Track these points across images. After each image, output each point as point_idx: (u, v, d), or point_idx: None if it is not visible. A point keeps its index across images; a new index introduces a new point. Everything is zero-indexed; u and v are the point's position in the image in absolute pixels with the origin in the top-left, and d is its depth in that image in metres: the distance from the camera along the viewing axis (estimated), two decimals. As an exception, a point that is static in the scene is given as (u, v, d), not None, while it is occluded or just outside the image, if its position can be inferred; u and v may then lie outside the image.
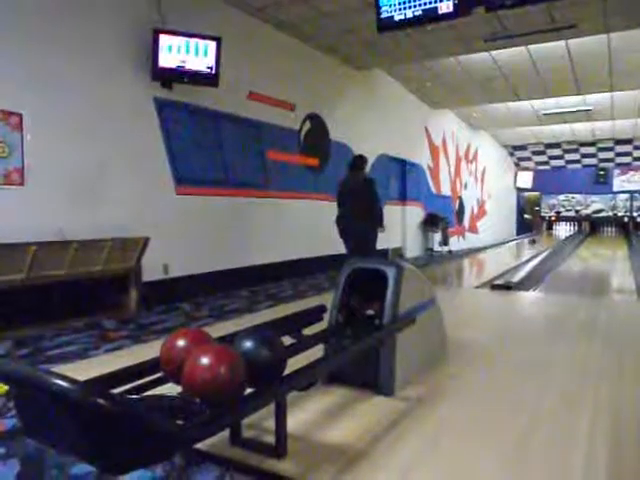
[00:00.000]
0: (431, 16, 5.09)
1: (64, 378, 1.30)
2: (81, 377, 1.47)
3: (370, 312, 2.76)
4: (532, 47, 8.24)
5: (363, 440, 2.08)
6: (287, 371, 1.97)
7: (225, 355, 1.69)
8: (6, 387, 1.60)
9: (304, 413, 2.32)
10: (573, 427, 2.22)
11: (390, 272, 2.73)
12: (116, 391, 1.75)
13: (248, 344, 1.88)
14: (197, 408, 1.60)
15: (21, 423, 1.62)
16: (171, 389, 1.83)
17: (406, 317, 2.71)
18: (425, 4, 5.04)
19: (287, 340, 2.42)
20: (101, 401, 1.29)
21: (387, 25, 5.39)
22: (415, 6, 5.10)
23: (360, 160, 6.18)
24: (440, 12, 5.00)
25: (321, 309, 2.95)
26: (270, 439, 1.95)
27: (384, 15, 5.34)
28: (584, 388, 2.72)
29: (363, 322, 2.75)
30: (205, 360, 1.63)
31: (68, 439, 1.46)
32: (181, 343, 1.84)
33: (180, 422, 1.53)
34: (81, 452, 1.47)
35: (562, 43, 8.06)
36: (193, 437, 1.57)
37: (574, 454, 1.97)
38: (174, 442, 1.49)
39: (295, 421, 2.12)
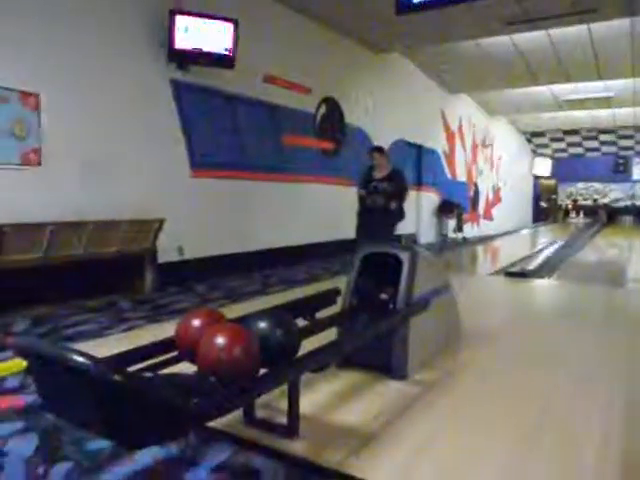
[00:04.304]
0: (450, -2, 5.02)
1: (83, 354, 1.32)
2: (98, 355, 1.49)
3: (384, 296, 2.76)
4: (553, 31, 8.08)
5: (375, 423, 2.09)
6: (300, 353, 1.99)
7: (240, 335, 1.70)
8: (25, 363, 1.62)
9: (317, 395, 2.33)
10: (587, 417, 2.21)
11: (405, 257, 2.72)
12: (132, 369, 1.78)
13: (262, 325, 1.89)
14: (211, 387, 1.62)
15: (40, 398, 1.65)
16: (186, 368, 1.85)
17: (420, 302, 2.70)
18: (445, -14, 4.97)
19: (301, 322, 2.43)
20: (119, 377, 1.31)
21: (405, 7, 5.34)
22: (434, -12, 5.02)
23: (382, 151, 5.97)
24: (460, -6, 4.92)
25: (335, 292, 2.95)
26: (283, 419, 1.97)
27: (403, -3, 5.27)
28: (599, 377, 2.71)
29: (377, 306, 2.75)
30: (220, 339, 1.64)
31: (85, 414, 1.48)
32: (196, 323, 1.86)
33: (195, 400, 1.55)
34: (98, 427, 1.49)
35: (584, 27, 7.89)
36: (207, 415, 1.58)
37: (587, 445, 1.96)
38: (189, 420, 1.51)
39: (308, 402, 2.13)
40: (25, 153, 4.23)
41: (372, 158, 5.82)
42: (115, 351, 1.88)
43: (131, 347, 1.95)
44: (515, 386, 2.59)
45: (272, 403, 2.15)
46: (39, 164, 4.32)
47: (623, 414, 2.24)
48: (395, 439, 1.97)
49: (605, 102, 13.37)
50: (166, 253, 5.23)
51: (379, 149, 5.91)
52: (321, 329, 2.57)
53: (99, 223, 4.43)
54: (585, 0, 6.46)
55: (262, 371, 1.77)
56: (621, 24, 7.72)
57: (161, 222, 4.92)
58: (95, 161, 4.73)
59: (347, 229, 6.44)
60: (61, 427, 2.03)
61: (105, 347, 2.54)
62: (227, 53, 5.53)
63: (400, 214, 5.74)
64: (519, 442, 1.98)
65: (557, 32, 8.13)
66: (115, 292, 4.76)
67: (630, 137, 18.71)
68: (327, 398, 2.33)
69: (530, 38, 8.42)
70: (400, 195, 5.66)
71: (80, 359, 1.32)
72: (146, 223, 4.86)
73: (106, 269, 4.67)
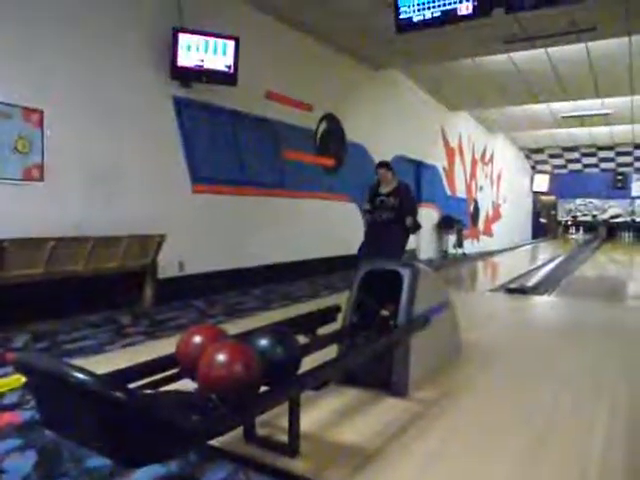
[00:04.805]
0: (450, 17, 5.07)
1: (83, 371, 1.32)
2: (97, 371, 1.49)
3: (385, 313, 2.76)
4: (551, 49, 8.17)
5: (376, 441, 2.08)
6: (301, 370, 1.98)
7: (241, 352, 1.70)
8: (23, 379, 1.62)
9: (317, 412, 2.32)
10: (588, 434, 2.20)
11: (405, 273, 2.72)
12: (132, 386, 1.77)
13: (263, 342, 1.89)
14: (212, 405, 1.61)
15: (39, 414, 1.64)
16: (186, 385, 1.85)
17: (420, 319, 2.70)
18: (444, 5, 5.02)
19: (301, 339, 2.42)
20: (119, 395, 1.31)
21: (406, 26, 5.39)
22: (434, 7, 5.08)
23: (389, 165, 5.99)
24: (460, 13, 4.98)
25: (336, 309, 2.95)
26: (283, 437, 1.96)
27: (403, 16, 5.33)
28: (600, 393, 2.69)
29: (377, 323, 2.75)
30: (221, 357, 1.64)
31: (85, 431, 1.47)
32: (197, 339, 1.86)
33: (195, 418, 1.54)
34: (97, 444, 1.49)
35: (582, 46, 7.98)
36: (208, 433, 1.58)
37: (589, 462, 1.95)
38: (189, 438, 1.50)
39: (308, 420, 2.12)
40: (27, 169, 4.25)
41: (379, 173, 5.87)
42: (115, 367, 1.87)
43: (131, 363, 1.95)
44: (516, 403, 2.57)
45: (272, 421, 2.13)
46: (41, 180, 4.34)
47: (624, 429, 2.23)
48: (396, 457, 1.96)
49: (603, 119, 13.46)
50: (167, 268, 5.23)
51: (385, 164, 5.95)
52: (322, 346, 2.56)
53: (100, 239, 4.44)
54: (584, 19, 6.54)
55: (263, 388, 1.76)
56: (619, 42, 7.81)
57: (162, 237, 4.93)
58: (97, 177, 4.76)
59: (348, 245, 6.46)
60: (60, 444, 2.02)
61: (105, 363, 2.54)
62: (229, 70, 5.59)
63: (415, 228, 5.83)
64: (522, 458, 1.97)
65: (555, 50, 8.21)
66: (115, 307, 4.75)
67: (628, 154, 18.80)
68: (328, 415, 2.31)
69: (529, 56, 8.51)
70: (413, 211, 5.73)
71: (80, 376, 1.32)
72: (147, 238, 4.87)
73: (107, 284, 4.67)
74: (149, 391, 1.84)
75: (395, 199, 5.65)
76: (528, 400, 2.61)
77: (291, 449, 1.92)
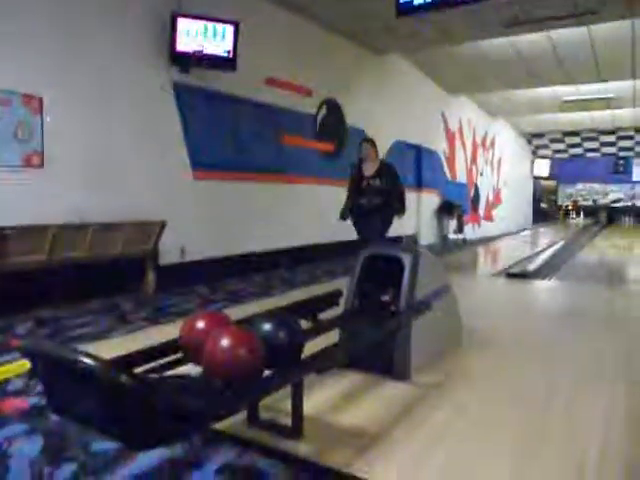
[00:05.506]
0: (451, 1, 5.03)
1: (90, 356, 1.34)
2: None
3: (386, 298, 2.77)
4: (553, 33, 8.09)
5: (378, 424, 2.10)
6: (303, 355, 2.00)
7: (244, 337, 1.71)
8: (28, 365, 1.63)
9: (320, 396, 2.34)
10: (588, 418, 2.22)
11: (406, 258, 2.73)
12: (137, 371, 1.79)
13: (267, 327, 1.91)
14: (216, 388, 1.63)
15: (46, 399, 1.66)
16: (190, 369, 1.87)
17: (422, 303, 2.71)
18: (445, -12, 4.98)
19: (303, 324, 2.44)
20: (125, 379, 1.32)
21: (406, 9, 5.35)
22: (435, -10, 5.03)
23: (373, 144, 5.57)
24: (461, -4, 4.94)
25: (337, 294, 2.96)
26: (287, 421, 1.98)
27: (403, -1, 5.28)
28: (599, 380, 2.71)
29: (379, 308, 2.76)
30: (225, 341, 1.66)
31: (91, 415, 1.49)
32: (201, 325, 1.87)
33: (199, 402, 1.56)
34: (103, 428, 1.50)
35: (584, 29, 7.90)
36: (212, 416, 1.60)
37: (589, 445, 1.97)
38: (194, 421, 1.52)
39: (311, 404, 2.14)
40: (27, 155, 4.24)
41: (363, 149, 5.43)
42: (118, 353, 1.89)
43: (134, 349, 1.96)
44: (517, 387, 2.60)
45: (275, 404, 2.16)
46: (41, 166, 4.33)
47: (624, 417, 2.25)
48: (399, 439, 1.98)
49: (605, 103, 13.37)
50: (168, 255, 5.24)
51: (370, 140, 5.57)
52: (324, 330, 2.58)
53: (101, 225, 4.44)
54: (586, 2, 6.48)
55: (266, 372, 1.78)
56: (621, 26, 7.73)
57: (163, 224, 4.93)
58: (97, 163, 4.75)
59: (348, 230, 6.45)
60: (66, 428, 2.04)
61: (108, 349, 2.55)
62: (228, 55, 5.55)
63: (402, 210, 5.42)
64: (523, 443, 1.99)
65: (557, 34, 8.14)
66: (117, 294, 4.77)
67: (630, 138, 18.72)
68: (330, 399, 2.34)
69: (530, 40, 8.43)
70: (401, 195, 5.36)
71: (87, 360, 1.34)
72: (148, 225, 4.87)
73: (108, 271, 4.68)
74: (154, 376, 1.86)
75: (380, 181, 5.24)
76: (527, 384, 2.63)
77: (295, 432, 1.95)
